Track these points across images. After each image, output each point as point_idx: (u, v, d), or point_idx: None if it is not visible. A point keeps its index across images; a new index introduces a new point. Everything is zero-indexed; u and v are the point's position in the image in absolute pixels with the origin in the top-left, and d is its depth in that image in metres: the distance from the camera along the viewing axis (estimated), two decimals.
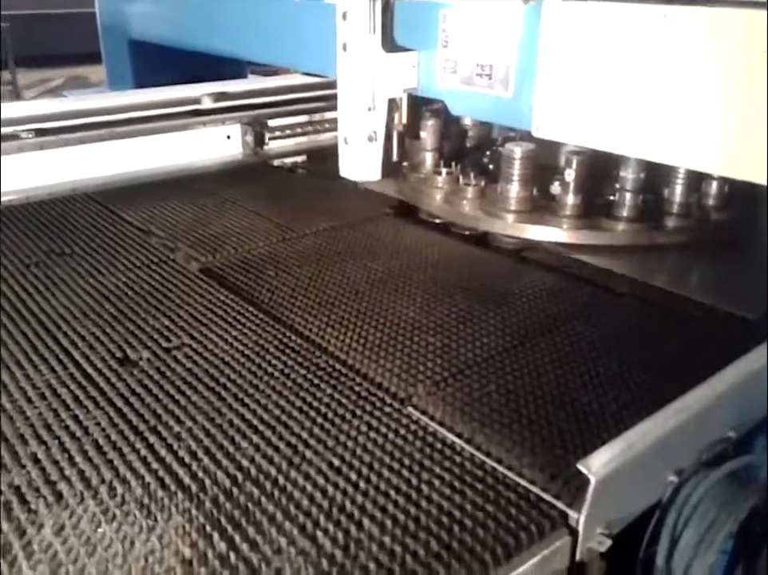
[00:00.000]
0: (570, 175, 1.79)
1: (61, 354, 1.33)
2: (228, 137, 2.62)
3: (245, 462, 1.05)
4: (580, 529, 0.95)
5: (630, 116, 1.51)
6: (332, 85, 2.79)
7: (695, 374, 1.13)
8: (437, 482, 1.01)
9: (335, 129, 2.58)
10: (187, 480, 1.02)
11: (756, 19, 1.28)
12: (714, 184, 1.88)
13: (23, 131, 2.28)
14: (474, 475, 1.02)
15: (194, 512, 0.96)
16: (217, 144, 2.60)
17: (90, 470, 1.03)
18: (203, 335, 1.40)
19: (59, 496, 0.99)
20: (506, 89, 1.81)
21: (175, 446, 1.08)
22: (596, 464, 0.94)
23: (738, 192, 1.89)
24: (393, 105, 2.11)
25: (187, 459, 1.06)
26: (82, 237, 1.88)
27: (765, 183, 1.36)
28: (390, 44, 2.05)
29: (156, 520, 0.95)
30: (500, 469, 1.04)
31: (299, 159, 2.68)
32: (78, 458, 1.06)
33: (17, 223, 1.98)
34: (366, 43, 2.02)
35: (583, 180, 1.81)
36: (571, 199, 1.82)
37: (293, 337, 1.39)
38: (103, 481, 1.01)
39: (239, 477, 1.02)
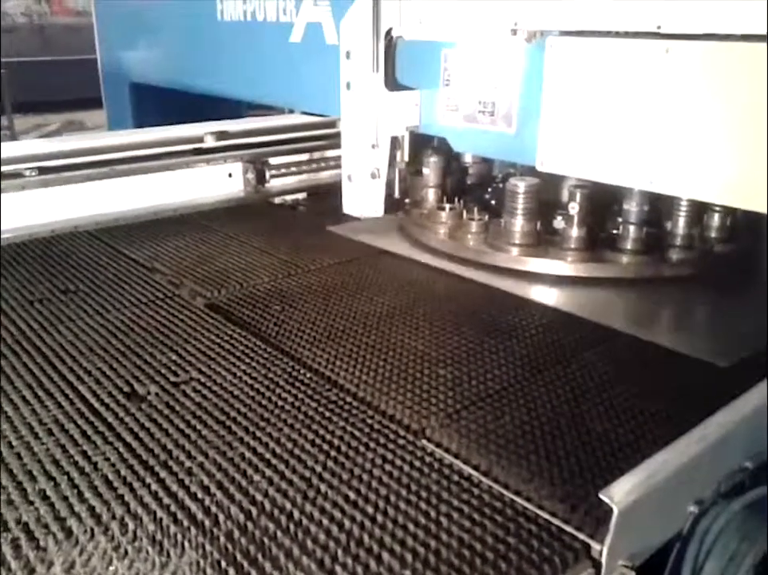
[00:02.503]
0: (574, 208, 1.80)
1: (68, 390, 1.32)
2: (230, 175, 2.64)
3: (259, 497, 1.03)
4: (603, 560, 0.93)
5: (633, 149, 1.53)
6: (332, 124, 2.84)
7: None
8: (455, 515, 0.99)
9: (335, 167, 2.62)
10: (200, 515, 0.99)
11: (757, 52, 1.31)
12: (717, 216, 1.90)
13: (26, 169, 2.29)
14: (493, 507, 1.01)
15: (208, 547, 0.94)
16: (219, 182, 2.62)
17: (100, 506, 1.01)
18: (211, 369, 1.39)
19: (69, 532, 0.97)
20: (509, 125, 1.84)
21: (186, 481, 1.06)
22: (619, 493, 0.93)
23: (740, 224, 1.91)
24: (395, 142, 2.14)
25: (199, 494, 1.03)
26: (86, 274, 1.88)
27: (759, 211, 1.38)
28: (393, 83, 2.09)
29: (169, 556, 0.93)
30: (520, 500, 1.02)
31: (300, 196, 2.70)
32: (88, 494, 1.03)
33: (21, 260, 1.97)
34: (370, 82, 2.05)
35: (586, 213, 1.82)
36: (575, 232, 1.83)
37: (302, 370, 1.38)
38: (114, 516, 0.99)
39: (254, 511, 1.00)
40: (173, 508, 1.01)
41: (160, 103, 3.54)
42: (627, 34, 1.50)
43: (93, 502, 1.02)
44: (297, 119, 3.06)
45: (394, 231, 2.17)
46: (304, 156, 2.81)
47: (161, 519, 0.99)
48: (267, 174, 2.67)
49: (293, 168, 2.75)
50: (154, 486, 1.05)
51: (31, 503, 1.02)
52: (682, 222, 1.85)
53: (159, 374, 1.37)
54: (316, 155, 2.83)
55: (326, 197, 2.58)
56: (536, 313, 1.64)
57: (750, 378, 1.21)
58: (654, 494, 0.97)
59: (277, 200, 2.67)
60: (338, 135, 2.33)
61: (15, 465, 1.10)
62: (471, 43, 1.88)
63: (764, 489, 1.11)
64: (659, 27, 1.44)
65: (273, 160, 2.71)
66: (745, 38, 1.33)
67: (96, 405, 1.27)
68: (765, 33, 1.29)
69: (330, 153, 2.81)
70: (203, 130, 2.75)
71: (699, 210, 1.87)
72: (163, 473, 1.08)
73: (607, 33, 1.53)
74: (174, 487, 1.05)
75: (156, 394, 1.30)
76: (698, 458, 1.04)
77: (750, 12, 1.31)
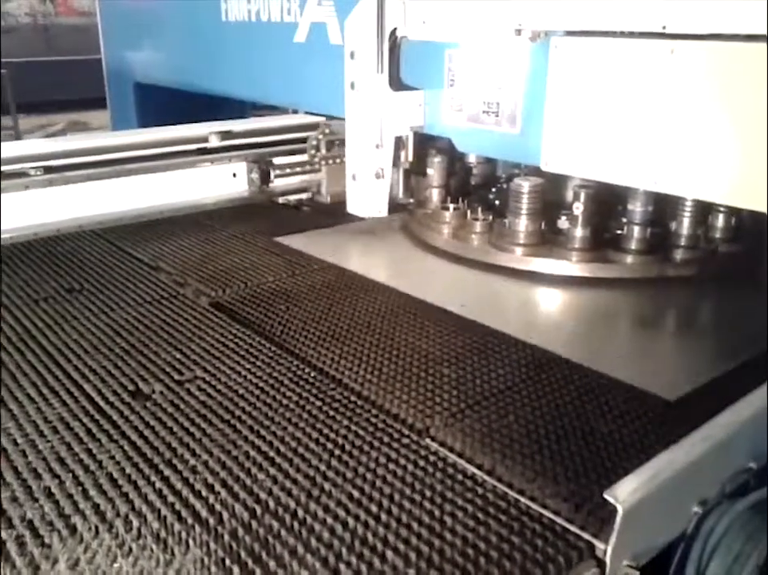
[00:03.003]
0: (578, 208, 1.80)
1: (73, 388, 1.32)
2: (234, 175, 2.64)
3: (263, 495, 1.03)
4: (608, 560, 0.93)
5: (638, 149, 1.52)
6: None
7: None
8: (459, 514, 0.99)
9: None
10: (204, 513, 0.99)
11: (762, 52, 1.31)
12: (721, 217, 1.90)
13: (32, 168, 2.29)
14: (497, 506, 1.01)
15: (212, 545, 0.94)
16: (223, 182, 2.62)
17: (105, 504, 1.01)
18: (215, 367, 1.39)
19: (73, 530, 0.97)
20: (513, 125, 1.83)
21: (191, 479, 1.06)
22: (623, 493, 0.93)
23: (745, 225, 1.91)
24: (399, 142, 2.14)
25: (204, 492, 1.04)
26: (91, 273, 1.88)
27: (763, 211, 1.38)
28: (397, 83, 2.09)
29: (173, 554, 0.93)
30: (524, 500, 1.02)
31: (304, 196, 2.70)
32: (93, 492, 1.04)
33: (26, 259, 1.98)
34: (374, 82, 2.05)
35: (591, 213, 1.82)
36: (579, 232, 1.83)
37: (306, 369, 1.38)
38: (118, 514, 0.99)
39: (258, 509, 1.00)
40: (178, 506, 1.01)
41: (164, 103, 3.54)
42: (632, 34, 1.50)
43: (97, 500, 1.02)
44: (301, 119, 3.06)
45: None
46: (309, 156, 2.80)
47: (166, 517, 0.99)
48: (272, 174, 2.67)
49: (297, 168, 2.74)
50: (159, 484, 1.05)
51: (36, 500, 1.02)
52: (686, 222, 1.85)
53: (163, 372, 1.38)
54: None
55: None
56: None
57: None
58: (658, 494, 0.97)
59: (281, 200, 2.67)
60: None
61: (20, 463, 1.10)
62: (475, 43, 1.88)
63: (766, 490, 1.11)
64: (664, 27, 1.44)
65: (277, 160, 2.71)
66: (750, 39, 1.33)
67: (101, 403, 1.27)
68: None
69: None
70: (208, 130, 2.75)
71: (704, 210, 1.87)
72: (167, 472, 1.08)
73: (612, 33, 1.52)
74: (178, 485, 1.05)
75: (161, 392, 1.31)
76: (703, 458, 1.03)
77: (756, 12, 1.31)
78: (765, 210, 1.39)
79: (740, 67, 1.36)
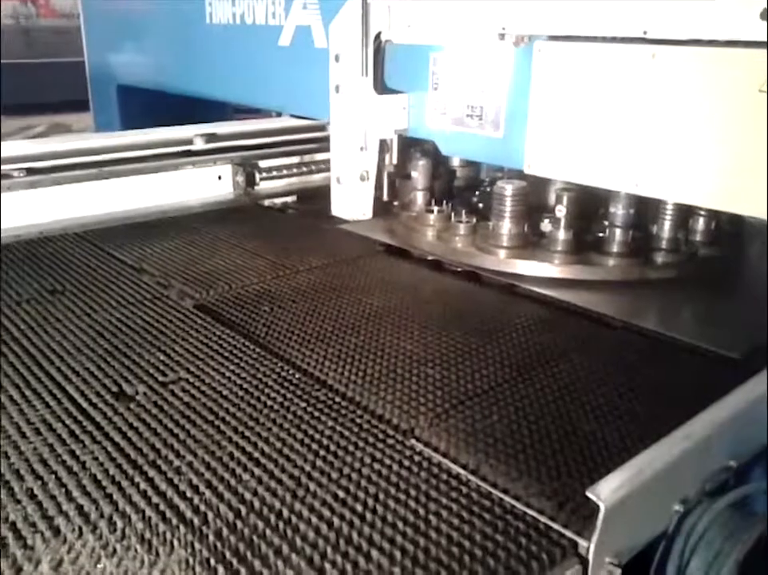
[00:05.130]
0: (561, 211, 1.82)
1: (55, 390, 1.31)
2: (219, 178, 2.64)
3: (248, 495, 1.03)
4: (590, 557, 0.94)
5: (619, 153, 1.54)
6: (322, 127, 2.85)
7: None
8: (444, 513, 1.00)
9: (325, 170, 2.62)
10: (189, 513, 0.99)
11: (740, 57, 1.33)
12: (701, 220, 1.92)
13: (15, 170, 2.28)
14: (482, 505, 1.01)
15: (197, 545, 0.94)
16: (208, 185, 2.62)
17: (89, 505, 1.01)
18: (199, 369, 1.39)
19: (57, 531, 0.96)
20: (497, 129, 1.85)
21: (175, 480, 1.06)
22: (606, 491, 0.94)
23: (724, 228, 1.93)
24: (384, 145, 2.15)
25: (188, 493, 1.03)
26: (74, 275, 1.87)
27: (749, 214, 1.41)
28: (382, 86, 2.10)
29: (157, 554, 0.93)
30: (508, 499, 1.03)
31: (290, 199, 2.70)
32: (76, 493, 1.03)
33: (8, 261, 1.96)
34: (358, 85, 2.06)
35: (573, 216, 1.84)
36: (562, 234, 1.84)
37: (291, 370, 1.38)
38: (102, 515, 0.99)
39: (243, 510, 1.00)
40: (162, 506, 1.01)
41: (147, 105, 3.53)
42: (614, 39, 1.52)
43: (81, 501, 1.01)
44: (287, 122, 3.06)
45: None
46: (294, 159, 2.81)
47: (150, 518, 0.98)
48: (257, 177, 2.67)
49: (283, 171, 2.75)
50: (143, 485, 1.05)
51: (18, 502, 1.01)
52: (667, 226, 1.87)
53: (147, 374, 1.37)
54: (306, 158, 2.84)
55: (317, 200, 2.59)
56: (523, 313, 1.65)
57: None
58: (640, 492, 0.98)
59: (266, 203, 2.67)
60: (328, 138, 2.34)
61: (2, 465, 1.09)
62: (459, 47, 1.89)
63: (748, 488, 1.13)
64: (645, 32, 1.46)
65: (263, 163, 2.71)
66: (729, 44, 1.36)
67: (85, 405, 1.26)
68: (748, 39, 1.32)
69: (320, 156, 2.81)
70: (193, 132, 2.74)
71: (685, 213, 1.89)
72: (152, 472, 1.08)
73: (594, 38, 1.55)
74: (163, 486, 1.05)
75: (145, 393, 1.30)
76: (684, 456, 1.05)
77: (735, 18, 1.33)
78: (744, 213, 1.42)
79: (720, 71, 1.38)
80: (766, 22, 1.29)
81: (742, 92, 1.33)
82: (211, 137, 2.73)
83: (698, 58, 1.39)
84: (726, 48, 1.35)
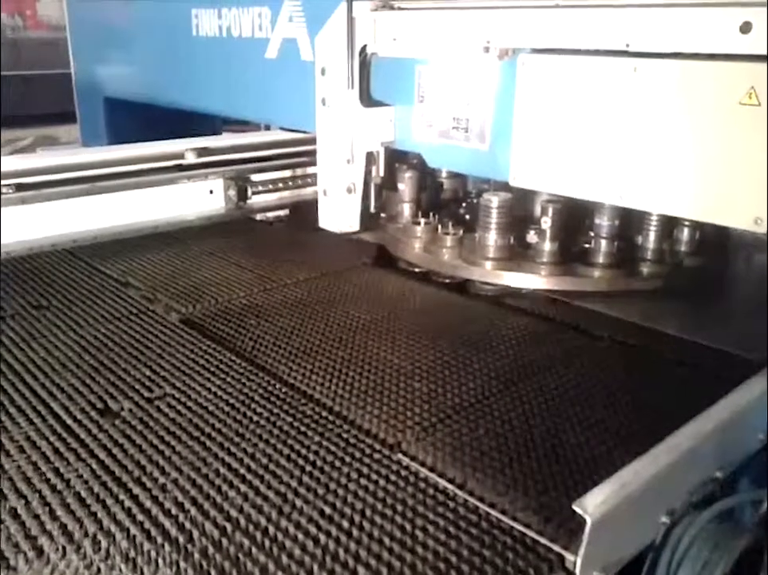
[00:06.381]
0: (546, 223, 1.83)
1: (40, 406, 1.30)
2: (211, 192, 2.63)
3: (234, 512, 1.02)
4: (578, 571, 0.93)
5: (603, 165, 1.55)
6: (314, 140, 2.85)
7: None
8: (431, 528, 0.99)
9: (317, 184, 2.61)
10: (174, 532, 0.99)
11: (721, 70, 1.35)
12: (686, 231, 1.94)
13: (4, 186, 2.26)
14: (468, 520, 1.01)
15: (182, 564, 0.93)
16: (200, 199, 2.61)
17: (73, 524, 1.00)
18: (185, 384, 1.38)
19: (40, 551, 0.95)
20: (482, 141, 1.86)
21: (160, 498, 1.05)
22: (592, 504, 0.94)
23: (709, 239, 1.95)
24: (370, 157, 2.15)
25: (173, 510, 1.03)
26: (59, 290, 1.86)
27: (732, 225, 1.42)
28: (368, 99, 2.10)
29: (142, 573, 0.92)
30: (494, 513, 1.03)
31: (282, 213, 2.70)
32: (60, 512, 1.02)
33: None
34: (345, 98, 2.06)
35: (559, 227, 1.85)
36: (548, 246, 1.85)
37: (277, 385, 1.38)
38: (86, 534, 0.98)
39: (228, 527, 0.99)
40: (147, 525, 1.00)
41: (135, 118, 3.52)
42: (596, 52, 1.53)
43: (65, 520, 1.01)
44: (279, 135, 3.06)
45: None
46: (287, 173, 2.81)
47: (135, 536, 0.98)
48: (249, 191, 2.67)
49: (276, 185, 2.74)
50: (127, 503, 1.04)
51: (1, 522, 1.00)
52: (652, 236, 1.88)
53: (133, 389, 1.36)
54: (298, 171, 2.84)
55: (309, 213, 2.58)
56: (510, 325, 1.65)
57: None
58: (626, 505, 0.98)
59: (258, 217, 2.66)
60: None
61: None
62: (445, 60, 1.90)
63: (732, 499, 1.13)
64: (627, 45, 1.47)
65: (255, 177, 2.71)
66: (711, 57, 1.37)
67: (69, 421, 1.26)
68: (729, 52, 1.33)
69: (312, 170, 2.80)
70: (185, 146, 2.73)
71: (669, 224, 1.90)
72: (136, 490, 1.07)
73: (577, 51, 1.56)
74: (148, 503, 1.04)
75: (130, 410, 1.29)
76: (670, 468, 1.05)
77: (715, 32, 1.35)
78: (726, 224, 1.44)
79: (701, 85, 1.39)
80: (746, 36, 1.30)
81: (723, 105, 1.34)
82: (202, 151, 2.72)
83: (680, 71, 1.40)
84: (708, 61, 1.37)
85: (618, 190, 1.54)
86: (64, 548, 0.96)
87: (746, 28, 1.30)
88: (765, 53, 1.28)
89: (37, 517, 1.01)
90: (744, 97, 1.32)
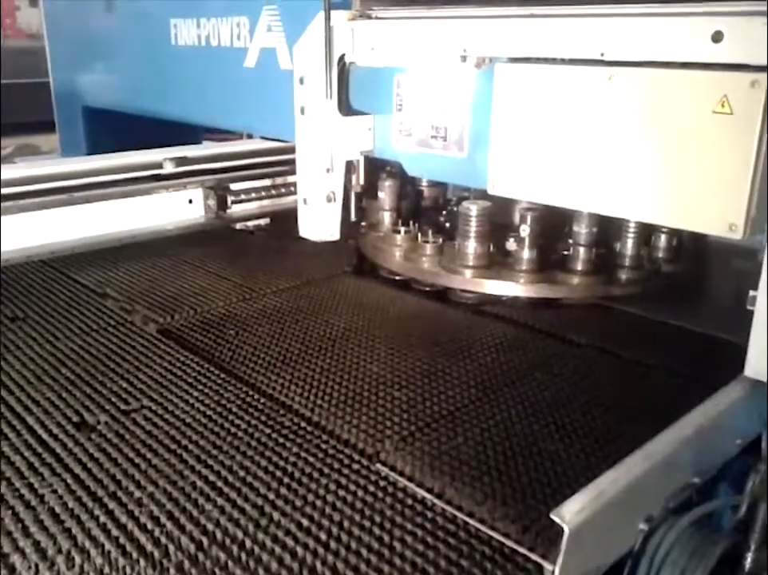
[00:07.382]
0: (525, 230, 1.83)
1: (15, 421, 1.29)
2: (190, 201, 2.62)
3: (210, 526, 1.02)
4: None
5: (580, 172, 1.56)
6: (293, 149, 2.84)
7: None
8: (409, 539, 0.99)
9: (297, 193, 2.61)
10: (149, 547, 0.98)
11: (695, 79, 1.36)
12: (663, 238, 1.95)
13: None
14: (447, 530, 1.01)
15: None
16: (179, 209, 2.59)
17: (46, 540, 0.99)
18: (162, 396, 1.37)
19: (11, 570, 0.94)
20: (461, 149, 1.86)
21: (136, 512, 1.04)
22: (569, 513, 0.94)
23: (686, 245, 1.96)
24: (350, 166, 2.15)
25: (149, 525, 1.02)
26: (35, 301, 1.84)
27: (707, 232, 1.43)
28: (347, 108, 2.10)
29: None
30: (473, 522, 1.03)
31: (262, 222, 2.69)
32: (33, 528, 1.01)
33: None
34: (323, 107, 2.06)
35: (537, 235, 1.85)
36: (526, 254, 1.85)
37: (256, 396, 1.37)
38: (60, 551, 0.97)
39: (205, 541, 0.99)
40: (122, 540, 0.99)
41: (114, 127, 3.50)
42: (572, 61, 1.54)
43: (38, 537, 0.99)
44: (258, 144, 3.05)
45: None
46: (266, 182, 2.80)
47: (109, 552, 0.97)
48: (229, 200, 2.65)
49: (256, 194, 2.73)
50: (102, 518, 1.03)
51: None
52: (630, 243, 1.89)
53: (109, 402, 1.35)
54: (278, 180, 2.83)
55: (290, 222, 2.57)
56: (489, 333, 1.65)
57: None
58: (604, 513, 0.98)
59: (238, 226, 2.65)
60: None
61: None
62: (422, 69, 1.91)
63: (709, 505, 1.14)
64: (602, 54, 1.48)
65: (234, 186, 2.69)
66: (684, 66, 1.38)
67: (44, 436, 1.24)
68: (703, 60, 1.34)
69: (292, 179, 2.79)
70: (163, 156, 2.72)
71: (647, 231, 1.92)
72: (112, 505, 1.06)
73: (553, 60, 1.57)
74: (123, 518, 1.03)
75: (106, 423, 1.28)
76: (647, 475, 1.05)
77: (688, 41, 1.36)
78: (701, 231, 1.45)
79: (674, 93, 1.40)
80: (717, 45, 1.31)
81: (697, 113, 1.36)
82: (181, 161, 2.71)
83: (654, 80, 1.42)
84: (682, 70, 1.38)
85: (595, 198, 1.55)
86: (36, 565, 0.94)
87: (717, 37, 1.32)
88: (736, 62, 1.30)
89: (9, 533, 1.00)
90: (717, 105, 1.33)
